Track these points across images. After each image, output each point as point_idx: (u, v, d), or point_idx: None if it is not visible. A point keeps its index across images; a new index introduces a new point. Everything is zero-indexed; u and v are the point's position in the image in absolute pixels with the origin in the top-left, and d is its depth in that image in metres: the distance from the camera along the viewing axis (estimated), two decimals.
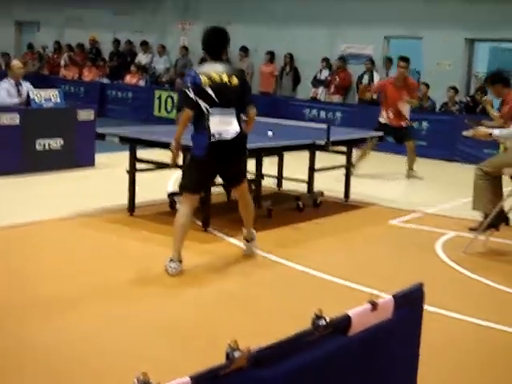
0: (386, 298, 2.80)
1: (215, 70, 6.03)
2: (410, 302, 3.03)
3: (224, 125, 5.95)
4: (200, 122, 5.96)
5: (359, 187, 9.84)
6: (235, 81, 6.07)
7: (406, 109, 11.08)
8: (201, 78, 5.95)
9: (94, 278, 5.76)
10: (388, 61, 15.41)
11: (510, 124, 8.55)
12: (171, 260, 5.89)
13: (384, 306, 2.77)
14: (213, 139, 5.89)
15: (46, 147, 10.11)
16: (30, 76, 15.91)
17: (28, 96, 10.02)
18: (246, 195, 6.49)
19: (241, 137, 6.09)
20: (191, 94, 5.91)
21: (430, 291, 3.51)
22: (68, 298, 5.29)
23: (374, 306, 2.69)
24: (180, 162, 6.54)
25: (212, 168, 6.14)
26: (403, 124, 11.09)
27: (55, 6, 20.63)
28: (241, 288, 5.88)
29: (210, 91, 5.93)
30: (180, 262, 5.91)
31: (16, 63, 10.54)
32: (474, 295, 6.00)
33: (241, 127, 6.10)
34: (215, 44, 6.21)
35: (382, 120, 11.14)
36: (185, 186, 6.23)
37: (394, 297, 2.87)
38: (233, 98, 6.02)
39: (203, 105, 5.92)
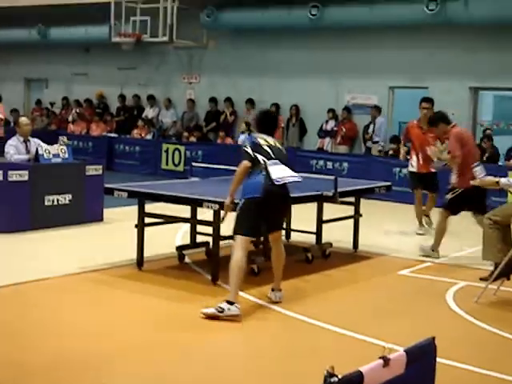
0: (398, 353, 2.78)
1: (269, 139, 6.64)
2: (422, 357, 3.00)
3: (283, 171, 6.44)
4: (257, 169, 6.41)
5: (368, 237, 9.81)
6: (284, 150, 6.75)
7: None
8: (259, 140, 6.55)
9: (116, 336, 5.73)
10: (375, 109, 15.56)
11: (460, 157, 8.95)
12: (229, 302, 6.13)
13: (396, 362, 2.74)
14: (276, 183, 6.34)
15: (55, 203, 10.15)
16: (38, 132, 16.09)
17: (37, 152, 10.10)
18: (281, 243, 6.82)
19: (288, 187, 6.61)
20: (249, 150, 6.45)
21: (442, 343, 3.48)
22: (98, 355, 5.25)
23: (386, 361, 2.67)
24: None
25: (265, 210, 6.42)
26: (432, 169, 10.44)
27: (62, 63, 20.94)
28: (250, 342, 5.83)
29: (268, 148, 6.50)
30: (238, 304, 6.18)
31: (23, 120, 10.65)
32: (487, 346, 5.93)
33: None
34: (271, 126, 6.87)
35: (411, 168, 10.73)
36: (242, 230, 6.40)
37: (406, 351, 2.85)
38: (284, 161, 6.57)
39: (261, 158, 6.43)
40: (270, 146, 6.56)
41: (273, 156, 6.47)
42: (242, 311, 6.38)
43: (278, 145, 6.72)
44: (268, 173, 6.37)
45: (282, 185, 6.41)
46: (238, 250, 6.31)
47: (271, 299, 6.79)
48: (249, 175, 6.48)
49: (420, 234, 10.52)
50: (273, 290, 6.82)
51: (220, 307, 6.13)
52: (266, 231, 6.81)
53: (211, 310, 6.16)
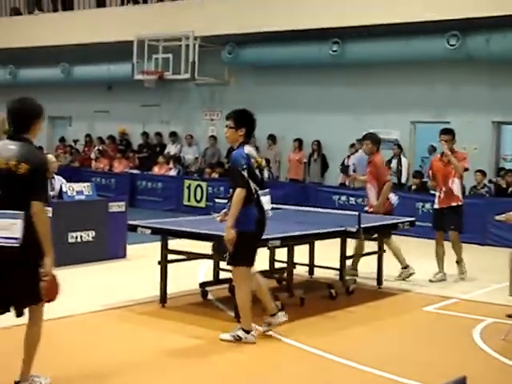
0: None
1: (255, 154, 6.57)
2: None
3: (269, 202, 6.49)
4: (249, 199, 6.34)
5: (392, 273, 9.73)
6: (264, 163, 6.70)
7: (457, 187, 9.87)
8: (252, 160, 6.44)
9: (141, 374, 5.70)
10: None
11: (373, 184, 9.62)
12: (245, 331, 6.31)
13: None
14: (266, 215, 6.41)
15: (78, 239, 10.18)
16: (61, 169, 16.21)
17: (60, 189, 10.16)
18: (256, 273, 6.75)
19: None
20: (245, 174, 6.33)
21: (470, 382, 3.42)
22: None
23: None
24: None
25: (258, 241, 6.53)
26: (453, 203, 9.82)
27: (85, 101, 21.17)
28: (270, 380, 5.75)
29: (258, 173, 6.47)
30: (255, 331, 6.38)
31: (48, 157, 10.72)
32: None
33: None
34: (253, 129, 6.70)
35: (435, 205, 10.08)
36: (242, 262, 6.44)
37: None
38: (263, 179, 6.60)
39: (253, 186, 6.37)
40: (259, 167, 6.52)
41: (261, 181, 6.48)
42: (264, 347, 6.33)
43: (260, 159, 6.65)
44: (260, 204, 6.40)
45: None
46: (243, 281, 6.42)
47: (271, 324, 6.77)
48: (244, 205, 6.34)
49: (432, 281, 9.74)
50: (271, 315, 6.77)
51: (238, 335, 6.30)
52: None
53: (228, 337, 6.36)
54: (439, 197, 9.95)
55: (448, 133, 10.02)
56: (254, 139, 18.53)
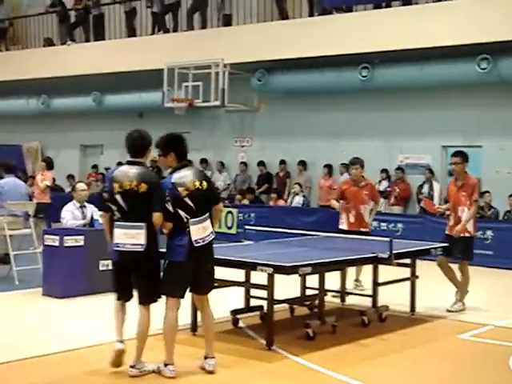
0: None
1: (189, 178, 6.30)
2: None
3: (203, 230, 6.23)
4: (179, 228, 6.18)
5: (425, 300, 9.60)
6: (205, 185, 6.36)
7: (467, 217, 9.25)
8: (179, 189, 6.22)
9: None
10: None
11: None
12: (167, 364, 6.16)
13: None
14: (195, 244, 6.15)
15: (109, 267, 10.17)
16: (94, 197, 16.29)
17: (92, 217, 10.21)
18: (208, 307, 6.60)
19: (212, 242, 6.39)
20: (170, 207, 6.17)
21: None
22: None
23: None
24: None
25: (190, 273, 6.28)
26: (462, 233, 9.29)
27: (117, 129, 21.30)
28: None
29: (189, 201, 6.20)
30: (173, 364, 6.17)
31: (80, 186, 10.82)
32: None
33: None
34: (186, 150, 6.57)
35: (447, 231, 9.61)
36: (169, 291, 6.30)
37: None
38: (206, 202, 6.33)
39: (183, 214, 6.19)
40: (189, 195, 6.18)
41: (194, 209, 6.17)
42: (298, 378, 6.26)
43: (198, 182, 6.28)
44: (189, 234, 6.15)
45: (204, 245, 6.23)
46: (169, 310, 6.26)
47: (204, 368, 6.37)
48: (173, 233, 6.22)
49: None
50: (205, 357, 6.40)
51: (158, 367, 6.24)
52: (192, 291, 6.59)
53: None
54: (449, 224, 9.56)
55: (458, 155, 9.50)
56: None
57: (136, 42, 19.30)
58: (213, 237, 6.36)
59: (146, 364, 6.31)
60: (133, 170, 6.23)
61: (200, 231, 6.20)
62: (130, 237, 6.07)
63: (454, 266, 9.53)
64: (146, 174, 6.24)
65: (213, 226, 6.40)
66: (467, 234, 9.37)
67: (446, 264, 9.55)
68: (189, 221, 6.18)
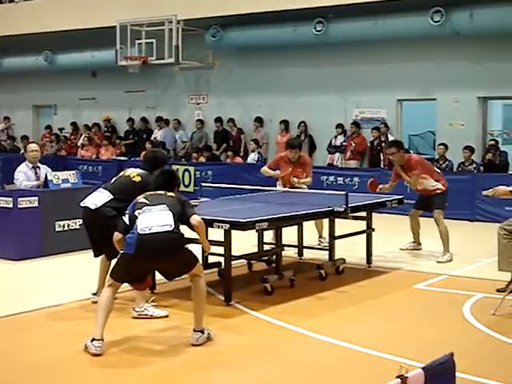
0: (415, 372, 2.70)
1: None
2: (441, 373, 2.92)
3: (153, 219, 6.00)
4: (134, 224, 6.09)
5: (381, 252, 9.74)
6: (175, 197, 6.28)
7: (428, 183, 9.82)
8: (137, 198, 6.21)
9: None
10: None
11: None
12: (95, 339, 5.76)
13: (414, 380, 2.66)
14: (141, 232, 5.90)
15: (66, 228, 10.12)
16: (48, 158, 16.11)
17: (46, 178, 10.08)
18: (198, 282, 6.17)
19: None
20: (126, 219, 6.15)
21: (461, 358, 3.39)
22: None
23: (404, 380, 2.59)
24: None
25: (144, 264, 6.02)
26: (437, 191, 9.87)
27: (70, 89, 21.04)
28: (264, 362, 5.74)
29: (144, 199, 6.17)
30: (102, 340, 5.79)
31: (31, 146, 10.57)
32: (507, 360, 5.80)
33: None
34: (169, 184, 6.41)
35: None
36: (112, 273, 6.11)
37: (424, 369, 2.77)
38: (171, 205, 6.14)
39: (137, 212, 6.09)
40: (146, 197, 6.13)
41: (148, 203, 6.04)
42: (256, 330, 6.32)
43: (169, 194, 6.20)
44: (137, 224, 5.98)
45: (160, 234, 5.86)
46: (106, 288, 6.04)
47: (192, 342, 6.04)
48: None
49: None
50: (194, 330, 6.08)
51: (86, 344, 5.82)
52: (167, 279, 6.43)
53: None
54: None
55: (394, 145, 10.05)
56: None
57: None
58: (166, 229, 5.96)
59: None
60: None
61: (148, 219, 5.97)
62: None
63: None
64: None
65: None
66: (438, 191, 9.86)
67: (417, 216, 10.18)
68: (139, 214, 6.05)
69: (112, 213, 6.91)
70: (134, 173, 7.19)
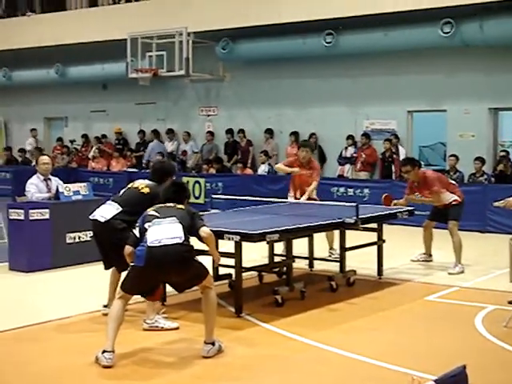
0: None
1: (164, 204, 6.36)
2: None
3: (162, 232, 6.00)
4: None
5: (392, 263, 9.71)
6: (184, 209, 6.26)
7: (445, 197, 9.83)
8: (148, 211, 6.21)
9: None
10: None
11: None
12: (105, 351, 5.75)
13: None
14: (150, 244, 5.90)
15: (76, 240, 10.14)
16: (59, 170, 16.15)
17: (57, 190, 10.11)
18: (208, 293, 6.17)
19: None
20: (136, 232, 6.15)
21: (473, 370, 3.37)
22: None
23: None
24: None
25: (155, 276, 6.01)
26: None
27: (81, 101, 21.14)
28: (275, 375, 5.72)
29: (154, 212, 6.15)
30: (113, 352, 5.78)
31: (42, 158, 10.59)
32: None
33: None
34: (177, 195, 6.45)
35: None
36: (122, 285, 6.14)
37: (436, 381, 2.75)
38: (181, 218, 6.14)
39: (147, 225, 6.09)
40: (157, 209, 6.12)
41: (158, 216, 6.03)
42: (267, 342, 6.29)
43: (179, 206, 6.20)
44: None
45: (170, 247, 5.85)
46: (117, 300, 6.04)
47: (203, 354, 6.00)
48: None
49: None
50: (205, 342, 6.05)
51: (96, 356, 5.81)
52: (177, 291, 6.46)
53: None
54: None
55: (407, 163, 10.11)
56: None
57: (98, 11, 19.05)
58: (175, 241, 5.97)
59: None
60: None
61: (158, 232, 5.97)
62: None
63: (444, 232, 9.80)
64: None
65: None
66: (454, 203, 9.84)
67: (430, 228, 10.20)
68: (150, 227, 6.06)
69: (122, 225, 6.92)
70: (142, 184, 7.21)
